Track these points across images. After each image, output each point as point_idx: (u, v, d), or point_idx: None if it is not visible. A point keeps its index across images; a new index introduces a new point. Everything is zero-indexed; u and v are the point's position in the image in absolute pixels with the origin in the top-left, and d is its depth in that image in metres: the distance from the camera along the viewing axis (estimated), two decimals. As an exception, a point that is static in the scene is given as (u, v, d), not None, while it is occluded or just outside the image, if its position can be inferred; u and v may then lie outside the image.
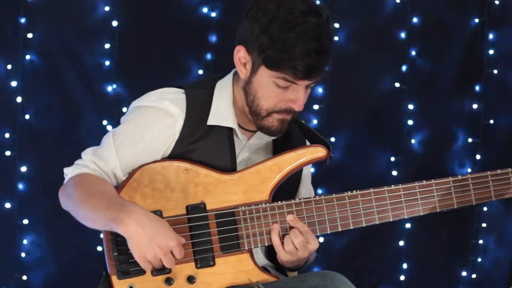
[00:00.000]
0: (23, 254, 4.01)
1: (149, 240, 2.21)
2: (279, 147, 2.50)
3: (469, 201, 2.43)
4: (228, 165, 2.41)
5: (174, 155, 2.41)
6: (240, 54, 2.37)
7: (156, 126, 2.40)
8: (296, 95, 2.34)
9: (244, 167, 2.42)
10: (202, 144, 2.40)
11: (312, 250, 2.39)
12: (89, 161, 2.41)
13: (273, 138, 2.49)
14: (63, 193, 2.41)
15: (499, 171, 2.45)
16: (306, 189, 2.66)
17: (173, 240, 2.23)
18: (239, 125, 2.45)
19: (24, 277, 4.01)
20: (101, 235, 2.38)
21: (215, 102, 2.43)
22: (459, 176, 2.43)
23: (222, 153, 2.41)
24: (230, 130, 2.43)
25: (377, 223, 2.42)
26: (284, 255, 2.38)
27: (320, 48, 2.27)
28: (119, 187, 2.39)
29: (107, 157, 2.40)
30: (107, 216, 2.24)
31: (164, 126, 2.40)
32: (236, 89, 2.45)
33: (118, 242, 2.31)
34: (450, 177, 2.43)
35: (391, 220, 2.42)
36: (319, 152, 2.42)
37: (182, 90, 2.45)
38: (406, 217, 2.42)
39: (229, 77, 2.48)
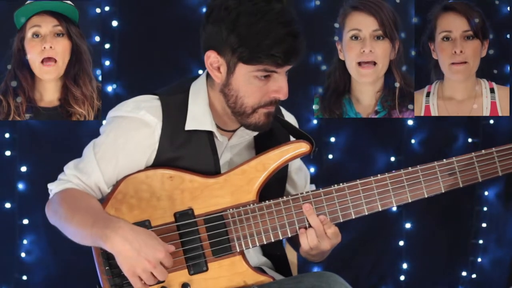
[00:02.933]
0: (23, 254, 4.02)
1: (137, 254, 2.19)
2: (261, 144, 2.49)
3: (456, 184, 2.42)
4: (212, 168, 2.40)
5: (157, 164, 2.40)
6: (211, 59, 2.35)
7: (134, 136, 2.39)
8: (278, 85, 2.33)
9: (229, 169, 2.42)
10: (183, 151, 2.39)
11: (334, 242, 2.41)
12: (72, 176, 2.40)
13: (254, 135, 2.48)
14: (49, 209, 2.40)
15: (483, 151, 2.43)
16: (299, 177, 2.64)
17: (161, 251, 2.20)
18: (218, 127, 2.44)
19: (24, 277, 4.02)
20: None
21: (191, 106, 2.42)
22: (444, 160, 2.42)
23: (204, 157, 2.40)
24: (209, 133, 2.42)
25: (366, 213, 2.40)
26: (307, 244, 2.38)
27: (293, 31, 2.27)
28: (105, 199, 2.38)
29: (89, 171, 2.39)
30: (93, 233, 2.23)
31: (143, 135, 2.39)
32: (212, 92, 2.43)
33: (109, 255, 2.29)
34: (435, 162, 2.42)
35: (380, 209, 2.40)
36: (302, 147, 2.41)
37: (157, 97, 2.43)
38: (394, 205, 2.41)
39: (202, 79, 2.46)
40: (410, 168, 2.41)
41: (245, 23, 2.26)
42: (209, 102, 2.43)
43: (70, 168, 2.41)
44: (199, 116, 2.41)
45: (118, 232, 2.19)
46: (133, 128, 2.39)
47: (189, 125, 2.40)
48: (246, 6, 2.27)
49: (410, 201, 2.41)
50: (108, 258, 2.30)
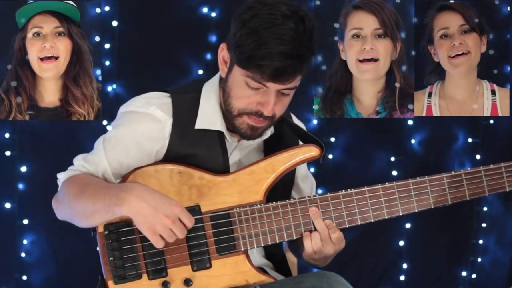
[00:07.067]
0: (23, 254, 4.02)
1: (155, 211, 2.20)
2: (270, 147, 2.49)
3: (463, 197, 2.43)
4: (221, 167, 2.41)
5: (167, 161, 2.40)
6: (223, 52, 2.36)
7: (143, 131, 2.40)
8: (265, 99, 2.32)
9: (237, 169, 2.42)
10: (194, 149, 2.40)
11: (338, 248, 2.43)
12: (80, 166, 2.41)
13: (264, 138, 2.47)
14: (56, 199, 2.41)
15: (492, 166, 2.44)
16: (306, 185, 2.65)
17: (178, 206, 2.23)
18: (228, 128, 2.44)
19: (24, 277, 4.02)
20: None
21: (202, 105, 2.43)
22: (453, 172, 2.43)
23: (214, 156, 2.41)
24: (219, 133, 2.42)
25: (372, 220, 2.42)
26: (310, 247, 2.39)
27: (292, 52, 2.24)
28: None
29: (97, 162, 2.40)
30: (107, 200, 2.24)
31: (152, 130, 2.40)
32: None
33: (113, 247, 2.31)
34: (443, 173, 2.43)
35: (386, 217, 2.42)
36: (312, 151, 2.41)
37: (168, 95, 2.44)
38: (400, 214, 2.41)
39: (215, 79, 2.47)
40: (418, 178, 2.42)
41: (252, 27, 2.25)
42: (220, 102, 2.43)
43: (78, 160, 2.43)
44: (209, 116, 2.41)
45: (132, 193, 2.21)
46: (142, 123, 2.41)
47: (199, 124, 2.41)
48: (264, 13, 2.26)
49: (416, 210, 2.42)
50: (113, 249, 2.31)
